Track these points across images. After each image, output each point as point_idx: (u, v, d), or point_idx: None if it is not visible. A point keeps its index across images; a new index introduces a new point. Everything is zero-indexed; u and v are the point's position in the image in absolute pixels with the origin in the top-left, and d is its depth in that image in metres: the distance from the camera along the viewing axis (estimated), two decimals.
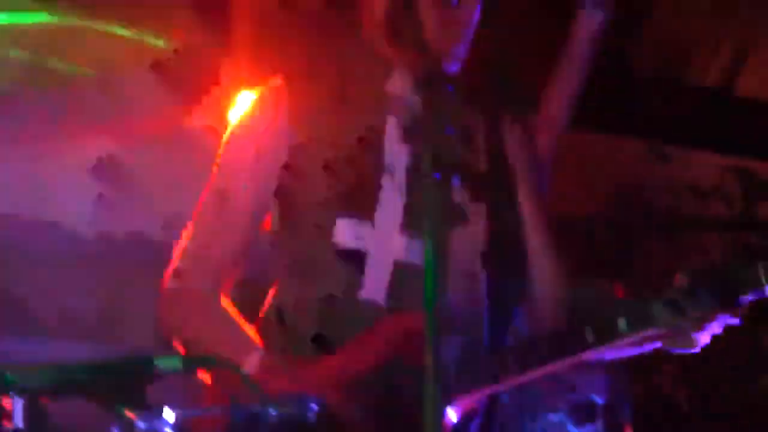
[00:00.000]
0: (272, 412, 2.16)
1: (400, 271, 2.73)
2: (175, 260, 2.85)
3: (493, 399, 2.92)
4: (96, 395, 2.11)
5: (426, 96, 2.22)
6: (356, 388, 2.62)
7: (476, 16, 2.66)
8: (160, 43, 2.07)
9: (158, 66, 3.72)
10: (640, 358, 3.36)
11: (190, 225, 2.88)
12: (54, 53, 2.24)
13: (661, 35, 4.89)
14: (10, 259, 4.42)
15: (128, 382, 2.20)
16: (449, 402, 2.75)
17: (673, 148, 4.99)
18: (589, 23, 3.73)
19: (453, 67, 2.71)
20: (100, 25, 2.17)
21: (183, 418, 2.20)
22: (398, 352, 2.63)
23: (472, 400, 2.78)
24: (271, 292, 2.85)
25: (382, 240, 2.79)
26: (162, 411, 2.09)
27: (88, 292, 4.58)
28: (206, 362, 2.26)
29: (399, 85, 2.78)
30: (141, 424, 2.01)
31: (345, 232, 2.77)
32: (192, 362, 2.22)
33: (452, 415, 2.79)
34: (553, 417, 4.52)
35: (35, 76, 2.49)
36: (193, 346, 2.72)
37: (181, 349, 2.73)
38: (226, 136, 2.94)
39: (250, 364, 2.61)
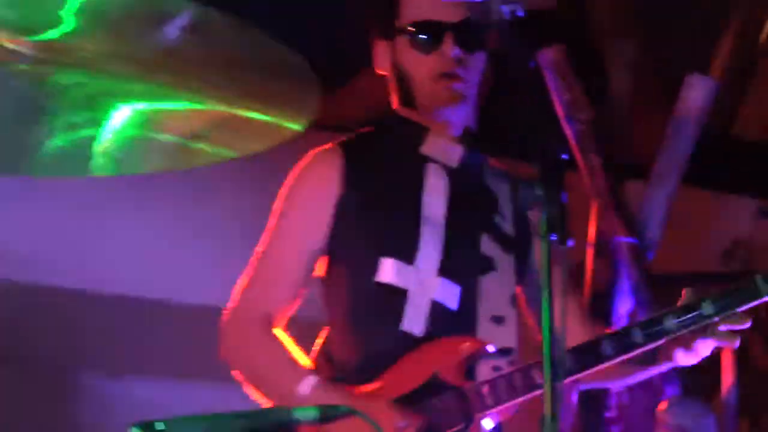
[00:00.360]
0: None
1: (435, 308, 2.92)
2: (234, 298, 2.96)
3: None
4: None
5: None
6: (403, 403, 2.80)
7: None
8: (295, 126, 2.15)
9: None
10: None
11: (249, 266, 3.01)
12: (199, 138, 2.36)
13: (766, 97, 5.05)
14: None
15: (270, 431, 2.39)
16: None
17: None
18: (697, 88, 3.97)
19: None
20: (242, 112, 2.28)
21: None
22: (435, 370, 2.87)
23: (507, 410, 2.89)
24: (322, 331, 2.98)
25: (422, 280, 2.95)
26: None
27: None
28: (342, 412, 2.39)
29: (434, 147, 3.01)
30: None
31: (389, 271, 2.91)
32: (328, 412, 2.36)
33: (488, 424, 2.90)
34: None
35: (181, 158, 2.62)
36: (250, 375, 2.88)
37: (241, 378, 2.87)
38: (287, 187, 3.06)
39: (306, 385, 2.78)
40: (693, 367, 3.11)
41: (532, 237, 3.07)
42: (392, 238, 2.98)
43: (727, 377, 4.81)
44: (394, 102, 3.16)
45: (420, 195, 3.04)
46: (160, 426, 2.12)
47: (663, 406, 4.32)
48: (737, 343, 2.90)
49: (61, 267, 4.34)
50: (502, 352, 2.93)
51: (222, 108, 2.24)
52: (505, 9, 2.51)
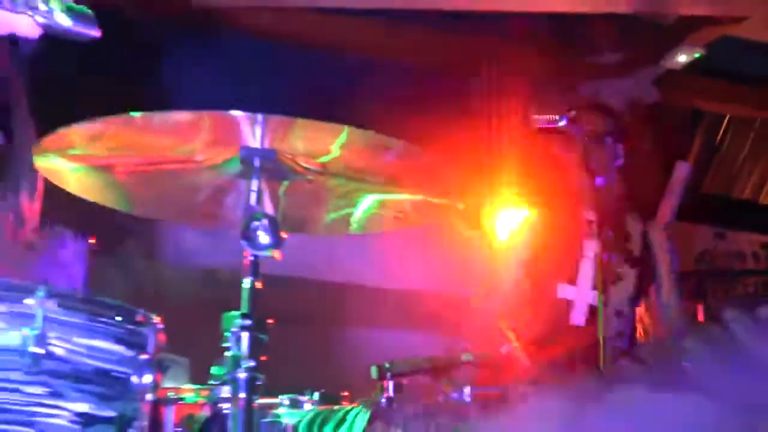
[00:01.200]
0: None
1: (589, 310, 4.41)
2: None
3: None
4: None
5: None
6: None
7: None
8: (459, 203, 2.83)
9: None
10: None
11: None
12: (403, 212, 3.16)
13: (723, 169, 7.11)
14: None
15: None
16: None
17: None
18: (681, 170, 5.46)
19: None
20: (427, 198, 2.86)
21: None
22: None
23: None
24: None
25: (582, 294, 4.39)
26: None
27: None
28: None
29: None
30: None
31: (564, 291, 4.48)
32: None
33: None
34: None
35: (395, 224, 3.19)
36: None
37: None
38: (506, 244, 4.58)
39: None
40: None
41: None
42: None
43: None
44: None
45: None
46: (386, 365, 3.10)
47: None
48: None
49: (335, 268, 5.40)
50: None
51: (411, 197, 2.89)
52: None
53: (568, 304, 4.54)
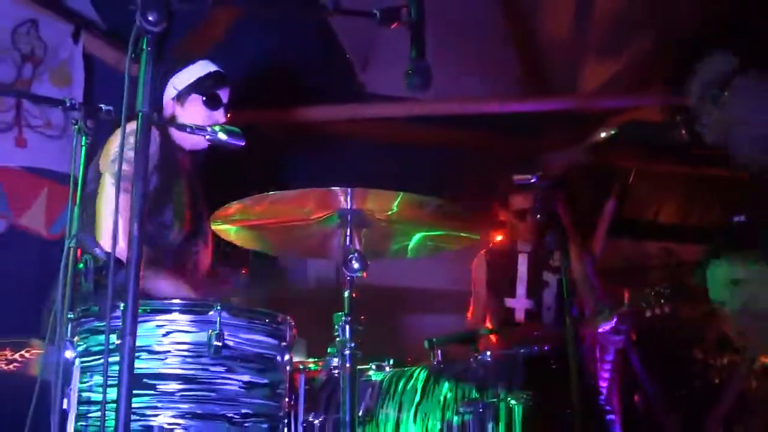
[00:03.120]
0: None
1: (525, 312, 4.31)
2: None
3: None
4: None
5: None
6: None
7: None
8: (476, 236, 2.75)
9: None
10: None
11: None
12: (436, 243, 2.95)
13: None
14: None
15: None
16: None
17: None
18: (609, 205, 5.48)
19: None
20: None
21: None
22: None
23: None
24: None
25: (520, 302, 4.40)
26: None
27: None
28: None
29: None
30: None
31: (509, 302, 4.38)
32: None
33: None
34: None
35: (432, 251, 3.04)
36: None
37: None
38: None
39: None
40: None
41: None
42: None
43: None
44: None
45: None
46: (433, 340, 2.99)
47: None
48: None
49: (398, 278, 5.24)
50: None
51: (444, 232, 2.77)
52: None
53: (511, 310, 4.50)
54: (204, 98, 3.19)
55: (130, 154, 2.91)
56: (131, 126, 2.91)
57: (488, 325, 4.49)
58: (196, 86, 3.19)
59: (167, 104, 3.20)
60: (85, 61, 4.46)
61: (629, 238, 7.04)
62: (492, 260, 4.51)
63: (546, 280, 4.48)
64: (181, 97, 3.18)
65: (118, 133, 3.03)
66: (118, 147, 2.97)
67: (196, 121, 3.12)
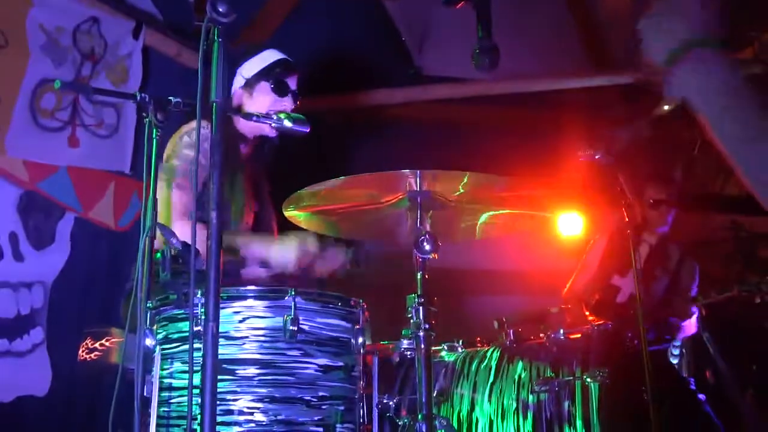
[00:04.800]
0: None
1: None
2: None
3: None
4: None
5: None
6: None
7: None
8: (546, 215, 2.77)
9: None
10: None
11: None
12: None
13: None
14: None
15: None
16: None
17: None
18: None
19: None
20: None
21: None
22: None
23: None
24: None
25: (627, 284, 4.32)
26: None
27: None
28: None
29: None
30: None
31: (617, 280, 4.30)
32: None
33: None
34: None
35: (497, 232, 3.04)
36: None
37: None
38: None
39: None
40: None
41: None
42: None
43: None
44: None
45: None
46: (504, 319, 3.05)
47: None
48: None
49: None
50: None
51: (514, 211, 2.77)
52: None
53: (616, 289, 4.41)
54: (272, 85, 3.19)
55: (184, 151, 3.02)
56: (192, 125, 3.01)
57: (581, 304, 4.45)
58: (265, 74, 3.21)
59: (235, 94, 3.24)
60: (143, 54, 4.47)
61: (695, 212, 6.87)
62: (614, 236, 4.45)
63: (657, 275, 4.44)
64: (249, 85, 3.21)
65: (182, 130, 3.08)
66: (175, 144, 3.05)
67: (264, 108, 3.15)
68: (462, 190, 2.57)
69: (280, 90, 3.21)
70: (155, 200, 2.38)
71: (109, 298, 3.41)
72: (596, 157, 3.33)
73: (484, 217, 2.82)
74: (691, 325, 4.19)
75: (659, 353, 3.90)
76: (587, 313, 4.15)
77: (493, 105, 5.77)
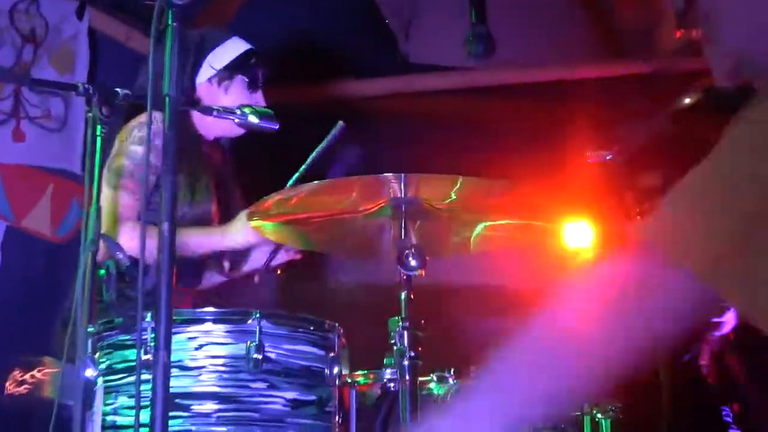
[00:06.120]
0: None
1: None
2: None
3: None
4: None
5: None
6: None
7: None
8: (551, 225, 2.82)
9: None
10: None
11: None
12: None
13: None
14: None
15: None
16: None
17: None
18: None
19: None
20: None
21: None
22: None
23: None
24: None
25: None
26: None
27: None
28: None
29: None
30: None
31: None
32: None
33: None
34: None
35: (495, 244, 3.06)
36: None
37: None
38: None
39: None
40: None
41: None
42: None
43: None
44: None
45: None
46: None
47: None
48: None
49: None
50: None
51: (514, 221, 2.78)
52: None
53: None
54: (248, 80, 3.23)
55: (132, 148, 3.02)
56: (142, 118, 3.01)
57: None
58: (240, 66, 3.22)
59: (201, 87, 3.22)
60: (89, 38, 4.47)
61: None
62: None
63: None
64: (222, 78, 3.20)
65: (132, 123, 3.09)
66: (122, 140, 3.07)
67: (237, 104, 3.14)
68: (454, 197, 2.58)
69: (254, 85, 3.25)
70: (99, 208, 2.35)
71: (44, 322, 3.31)
72: (607, 157, 3.34)
73: (479, 228, 2.84)
74: (729, 323, 4.15)
75: (680, 379, 3.88)
76: None
77: (490, 98, 5.78)
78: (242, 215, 2.99)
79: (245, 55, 3.25)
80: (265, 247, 3.12)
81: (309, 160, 3.02)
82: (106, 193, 2.96)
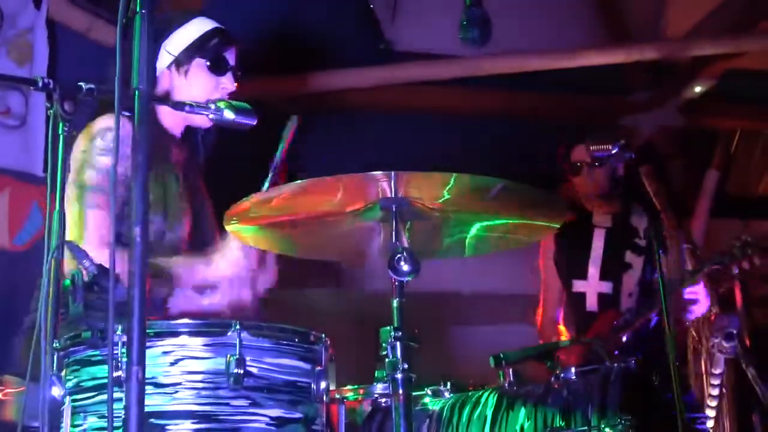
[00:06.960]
0: None
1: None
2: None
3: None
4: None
5: None
6: None
7: None
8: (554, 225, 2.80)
9: None
10: None
11: None
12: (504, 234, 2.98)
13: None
14: None
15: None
16: None
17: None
18: (711, 177, 5.51)
19: None
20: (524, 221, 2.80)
21: None
22: None
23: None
24: None
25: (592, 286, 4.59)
26: None
27: None
28: None
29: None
30: None
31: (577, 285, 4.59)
32: None
33: None
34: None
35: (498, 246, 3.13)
36: None
37: None
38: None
39: None
40: None
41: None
42: None
43: None
44: None
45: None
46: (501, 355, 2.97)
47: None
48: None
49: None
50: None
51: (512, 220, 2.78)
52: None
53: (581, 296, 4.53)
54: (208, 62, 3.17)
55: (101, 159, 2.98)
56: (106, 122, 2.97)
57: (561, 326, 4.47)
58: (198, 48, 3.18)
59: (162, 76, 3.21)
60: (48, 29, 4.45)
61: (736, 217, 7.01)
62: (560, 234, 4.48)
63: (629, 261, 4.49)
64: (180, 63, 3.18)
65: (90, 127, 3.04)
66: (86, 149, 3.01)
67: (203, 92, 3.13)
68: (447, 196, 2.58)
69: (218, 67, 3.18)
70: (63, 212, 2.35)
71: (2, 338, 3.33)
72: (613, 151, 3.35)
73: (474, 230, 2.83)
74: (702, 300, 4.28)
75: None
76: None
77: (485, 88, 5.77)
78: (232, 245, 2.99)
79: (204, 35, 3.20)
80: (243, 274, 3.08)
81: (276, 162, 2.98)
82: (74, 208, 2.95)
